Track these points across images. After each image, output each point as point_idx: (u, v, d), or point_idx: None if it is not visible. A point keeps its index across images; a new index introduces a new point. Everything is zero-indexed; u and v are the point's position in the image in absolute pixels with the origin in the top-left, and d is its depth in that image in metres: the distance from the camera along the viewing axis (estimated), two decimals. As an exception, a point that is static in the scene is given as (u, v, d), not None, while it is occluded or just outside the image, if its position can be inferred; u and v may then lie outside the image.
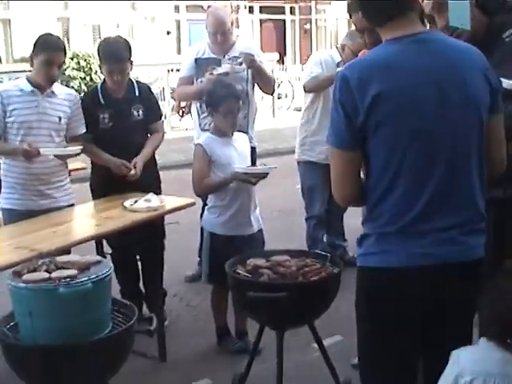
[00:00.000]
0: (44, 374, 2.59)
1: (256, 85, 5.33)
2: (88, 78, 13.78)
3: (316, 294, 3.07)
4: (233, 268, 3.26)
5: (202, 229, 5.55)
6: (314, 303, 3.08)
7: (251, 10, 22.39)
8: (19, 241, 3.36)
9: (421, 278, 2.24)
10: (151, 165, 4.63)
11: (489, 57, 2.82)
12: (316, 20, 23.76)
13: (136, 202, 4.06)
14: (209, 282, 4.18)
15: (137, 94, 4.50)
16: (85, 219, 3.94)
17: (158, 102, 4.87)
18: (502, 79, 2.63)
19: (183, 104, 14.41)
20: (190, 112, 15.12)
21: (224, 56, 5.24)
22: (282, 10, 23.30)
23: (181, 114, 13.44)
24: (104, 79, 4.49)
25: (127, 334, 2.71)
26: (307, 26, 24.50)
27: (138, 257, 4.58)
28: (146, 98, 4.59)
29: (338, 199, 2.39)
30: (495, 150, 2.38)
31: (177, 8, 20.49)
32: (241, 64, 5.18)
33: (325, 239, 5.83)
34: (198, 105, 5.31)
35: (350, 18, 3.40)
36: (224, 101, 3.98)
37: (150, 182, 4.58)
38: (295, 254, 3.44)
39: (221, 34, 5.17)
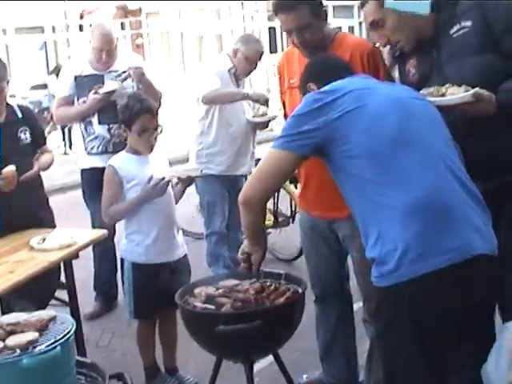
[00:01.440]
0: None
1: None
2: None
3: (287, 317, 2.78)
4: (183, 301, 2.90)
5: (95, 259, 5.13)
6: (284, 328, 2.80)
7: (81, 28, 21.65)
8: None
9: (467, 273, 2.17)
10: (42, 196, 4.17)
11: (437, 54, 2.76)
12: (148, 34, 23.31)
13: (44, 240, 3.59)
14: (135, 317, 3.77)
15: (20, 116, 4.03)
16: (-9, 267, 3.37)
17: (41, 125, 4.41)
18: (431, 98, 2.60)
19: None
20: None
21: (107, 71, 4.84)
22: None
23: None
24: None
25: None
26: (139, 41, 24.12)
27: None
28: (31, 119, 4.15)
29: (253, 196, 2.48)
30: None
31: (4, 31, 19.35)
32: (125, 79, 4.80)
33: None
34: (83, 127, 4.88)
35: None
36: (138, 117, 3.57)
37: (44, 215, 4.12)
38: (241, 276, 3.13)
39: (107, 52, 4.78)
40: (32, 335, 2.10)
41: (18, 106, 4.09)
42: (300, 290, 2.89)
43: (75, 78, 4.86)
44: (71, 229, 3.83)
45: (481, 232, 2.22)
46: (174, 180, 3.76)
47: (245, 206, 2.51)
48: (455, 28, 2.76)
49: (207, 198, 5.32)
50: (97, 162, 4.85)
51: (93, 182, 4.94)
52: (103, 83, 4.79)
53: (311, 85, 2.78)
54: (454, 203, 2.22)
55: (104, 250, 4.98)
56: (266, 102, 5.01)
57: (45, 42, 20.32)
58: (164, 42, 24.25)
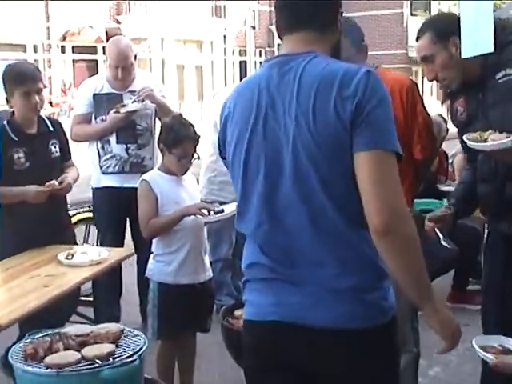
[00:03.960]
0: None
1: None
2: None
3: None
4: (226, 323, 2.88)
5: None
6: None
7: (63, 49, 21.63)
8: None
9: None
10: (67, 213, 4.13)
11: (483, 97, 2.85)
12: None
13: (72, 255, 3.55)
14: (158, 337, 3.70)
15: (51, 128, 4.01)
16: (23, 279, 3.30)
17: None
18: (473, 143, 2.68)
19: None
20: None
21: (126, 91, 4.83)
22: (94, 50, 22.74)
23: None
24: (12, 113, 3.90)
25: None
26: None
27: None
28: (60, 133, 4.12)
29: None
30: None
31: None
32: (144, 100, 4.78)
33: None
34: (100, 145, 4.83)
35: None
36: (181, 143, 3.54)
37: (67, 232, 4.09)
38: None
39: (122, 69, 4.73)
40: (110, 347, 2.06)
41: (48, 119, 4.07)
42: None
43: (94, 95, 4.82)
44: (97, 247, 3.78)
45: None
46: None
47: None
48: (500, 74, 2.84)
49: (215, 225, 5.27)
50: (111, 181, 4.81)
51: (104, 201, 4.90)
52: (122, 102, 4.77)
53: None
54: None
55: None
56: None
57: (26, 61, 20.23)
58: (145, 69, 24.38)
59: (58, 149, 3.96)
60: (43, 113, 4.04)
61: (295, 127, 1.84)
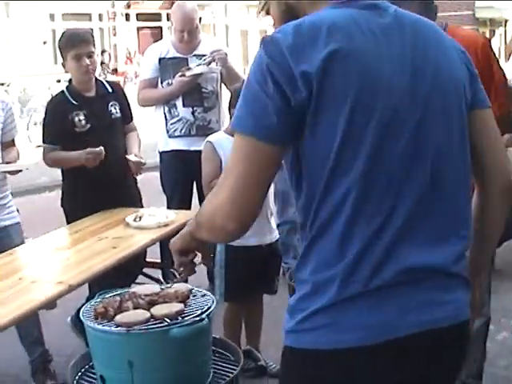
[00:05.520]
0: None
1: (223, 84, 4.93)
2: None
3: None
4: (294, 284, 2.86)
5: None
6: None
7: (128, 17, 21.77)
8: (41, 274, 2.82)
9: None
10: (132, 177, 4.16)
11: None
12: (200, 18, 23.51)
13: (140, 217, 3.57)
14: (225, 299, 3.71)
15: (110, 90, 4.05)
16: (92, 241, 3.35)
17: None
18: None
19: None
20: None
21: (191, 55, 4.82)
22: (158, 17, 22.82)
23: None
24: (70, 80, 3.99)
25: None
26: (184, 32, 24.21)
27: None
28: (121, 94, 4.15)
29: (233, 216, 1.48)
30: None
31: (52, 16, 19.51)
32: (210, 63, 4.76)
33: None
34: (167, 109, 4.84)
35: None
36: None
37: (134, 195, 4.12)
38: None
39: (188, 32, 4.74)
40: (179, 306, 2.07)
41: (107, 82, 4.14)
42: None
43: (159, 60, 4.83)
44: (165, 209, 3.81)
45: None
46: None
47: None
48: None
49: (281, 187, 5.26)
50: (178, 144, 4.83)
51: (171, 164, 4.93)
52: (187, 66, 4.76)
53: None
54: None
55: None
56: None
57: (91, 29, 20.49)
58: (209, 34, 24.37)
59: (118, 110, 4.00)
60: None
61: (414, 77, 1.51)
